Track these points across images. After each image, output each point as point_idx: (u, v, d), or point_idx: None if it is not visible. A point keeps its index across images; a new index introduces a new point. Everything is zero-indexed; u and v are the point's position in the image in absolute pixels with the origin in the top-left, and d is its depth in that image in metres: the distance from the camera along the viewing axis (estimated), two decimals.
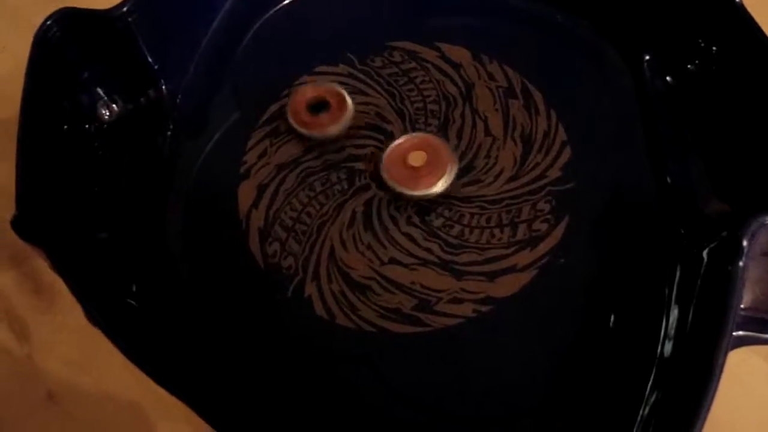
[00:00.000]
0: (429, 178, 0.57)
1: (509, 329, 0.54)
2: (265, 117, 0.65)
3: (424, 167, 0.58)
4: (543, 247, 0.56)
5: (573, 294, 0.54)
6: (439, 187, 0.57)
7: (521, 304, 0.54)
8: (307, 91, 0.63)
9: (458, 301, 0.54)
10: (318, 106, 0.62)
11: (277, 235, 0.59)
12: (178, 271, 0.58)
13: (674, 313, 0.51)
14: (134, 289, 0.55)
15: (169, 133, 0.64)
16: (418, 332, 0.54)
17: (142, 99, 0.65)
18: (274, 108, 0.65)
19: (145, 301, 0.55)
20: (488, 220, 0.57)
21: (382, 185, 0.59)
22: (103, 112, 0.63)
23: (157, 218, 0.60)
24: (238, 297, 0.57)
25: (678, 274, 0.52)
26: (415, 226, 0.58)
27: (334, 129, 0.61)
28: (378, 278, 0.56)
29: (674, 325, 0.50)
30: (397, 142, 0.59)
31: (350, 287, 0.56)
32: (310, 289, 0.56)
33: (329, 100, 0.62)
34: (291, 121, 0.61)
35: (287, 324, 0.55)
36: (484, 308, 0.54)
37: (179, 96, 0.66)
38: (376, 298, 0.55)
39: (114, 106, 0.63)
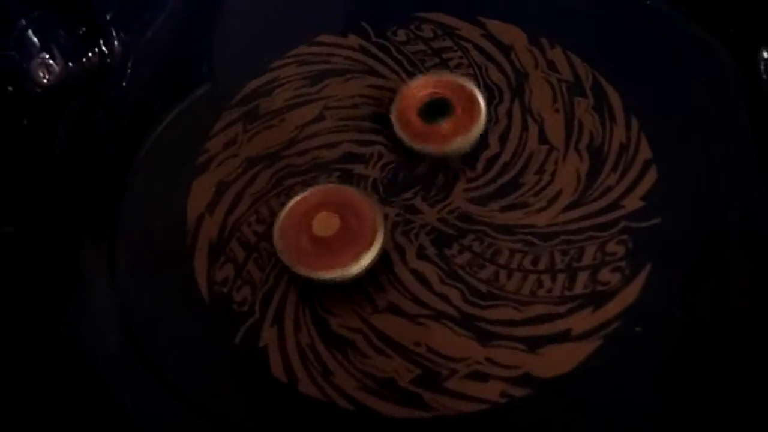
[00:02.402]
0: (341, 257, 0.40)
1: (554, 427, 0.38)
2: (242, 94, 0.49)
3: (336, 239, 0.41)
4: (612, 308, 0.40)
5: (652, 379, 0.38)
6: (356, 269, 0.40)
7: (575, 389, 0.38)
8: (420, 87, 0.46)
9: (481, 377, 0.38)
10: (435, 109, 0.45)
11: (233, 254, 0.43)
12: (96, 291, 0.43)
13: None
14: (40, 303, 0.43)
15: (112, 104, 0.50)
16: (418, 418, 0.38)
17: (89, 55, 0.52)
18: (256, 84, 0.50)
19: (51, 322, 0.42)
20: (535, 262, 0.41)
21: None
22: (40, 73, 0.50)
23: (80, 215, 0.46)
24: (168, 335, 0.42)
25: None
26: (429, 260, 0.42)
27: (461, 142, 0.44)
28: (367, 331, 0.40)
29: None
30: (296, 199, 0.43)
31: (325, 341, 0.40)
32: (267, 336, 0.40)
33: (452, 101, 0.45)
34: (398, 131, 0.45)
35: (228, 383, 0.40)
36: (518, 391, 0.38)
37: (132, 56, 0.51)
38: (361, 360, 0.39)
39: (53, 64, 0.51)
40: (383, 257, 0.41)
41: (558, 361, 0.38)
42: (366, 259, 0.40)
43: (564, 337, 0.39)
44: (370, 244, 0.40)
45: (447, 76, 0.46)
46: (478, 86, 0.46)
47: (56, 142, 0.48)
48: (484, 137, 0.45)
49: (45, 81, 0.50)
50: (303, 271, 0.40)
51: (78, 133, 0.48)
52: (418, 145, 0.43)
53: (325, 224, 0.41)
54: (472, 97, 0.45)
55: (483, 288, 0.40)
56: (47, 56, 0.50)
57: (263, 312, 0.40)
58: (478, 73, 0.48)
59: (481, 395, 0.37)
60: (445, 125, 0.44)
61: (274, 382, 0.39)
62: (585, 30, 0.51)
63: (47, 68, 0.50)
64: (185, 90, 0.50)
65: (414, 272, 0.41)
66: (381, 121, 0.46)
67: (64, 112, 0.49)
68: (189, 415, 0.38)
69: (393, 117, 0.44)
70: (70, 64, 0.50)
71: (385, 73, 0.49)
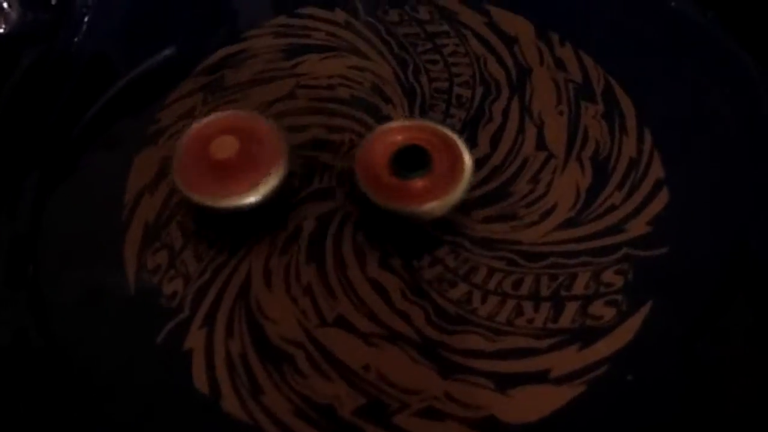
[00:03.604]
0: (239, 183, 0.34)
1: None
2: (207, 62, 0.43)
3: (236, 162, 0.34)
4: (602, 349, 0.33)
5: None
6: (252, 198, 0.34)
7: None
8: (392, 134, 0.37)
9: (437, 415, 0.31)
10: (410, 161, 0.35)
11: (170, 240, 0.36)
12: (13, 267, 0.36)
13: None
14: None
15: (64, 60, 0.43)
16: None
17: (48, 4, 0.45)
18: (225, 52, 0.43)
19: None
20: (517, 284, 0.34)
21: (353, 194, 0.36)
22: None
23: (12, 181, 0.39)
24: (81, 325, 0.34)
25: None
26: (393, 270, 0.35)
27: (437, 205, 0.34)
28: (309, 347, 0.33)
29: None
30: (201, 122, 0.37)
31: (260, 352, 0.33)
32: (194, 339, 0.33)
33: (429, 152, 0.35)
34: (361, 183, 0.35)
35: (141, 390, 0.33)
36: None
37: (92, 9, 0.44)
38: (298, 380, 0.32)
39: (10, 12, 0.44)
40: (340, 261, 0.34)
41: (530, 405, 0.31)
42: (267, 186, 0.33)
43: (541, 377, 0.32)
44: (271, 169, 0.34)
45: (425, 123, 0.37)
46: (473, 85, 0.40)
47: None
48: (472, 138, 0.38)
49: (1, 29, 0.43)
50: (198, 198, 0.33)
51: (23, 90, 0.41)
52: (385, 203, 0.34)
53: (224, 147, 0.34)
54: (452, 145, 0.35)
55: (451, 309, 0.33)
56: (4, 3, 0.43)
57: (193, 310, 0.34)
58: (474, 64, 0.41)
59: None
60: (420, 182, 0.35)
61: (194, 394, 0.32)
62: (599, 28, 0.45)
63: (3, 16, 0.43)
64: (145, 51, 0.43)
65: (373, 282, 0.34)
66: (358, 106, 0.40)
67: (14, 66, 0.42)
68: (89, 423, 0.31)
69: (357, 167, 0.35)
70: (28, 13, 0.44)
71: (370, 54, 0.42)
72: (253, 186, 0.33)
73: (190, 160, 0.34)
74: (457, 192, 0.33)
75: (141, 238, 0.36)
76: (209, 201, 0.33)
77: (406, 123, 0.37)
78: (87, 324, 0.34)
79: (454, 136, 0.35)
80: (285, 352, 0.32)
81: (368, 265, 0.35)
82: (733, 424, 0.31)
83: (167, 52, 0.43)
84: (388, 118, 0.39)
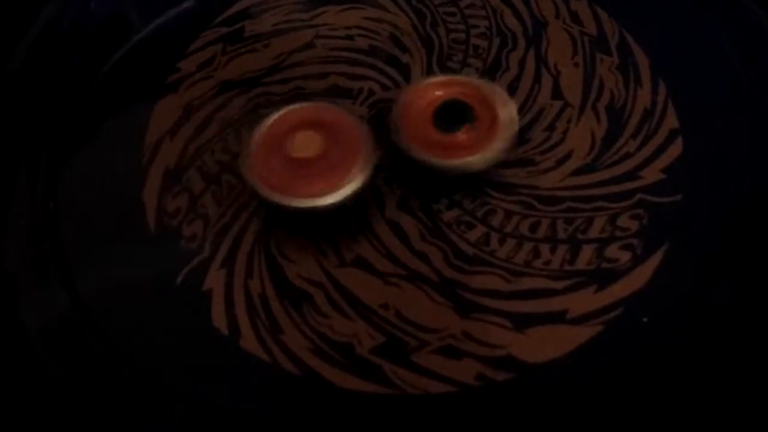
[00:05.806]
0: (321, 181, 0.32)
1: (535, 420, 0.29)
2: (227, 14, 0.42)
3: (317, 162, 0.33)
4: (617, 291, 0.32)
5: (654, 380, 0.30)
6: (338, 195, 0.32)
7: (563, 379, 0.30)
8: (434, 88, 0.36)
9: (455, 353, 0.30)
10: (452, 116, 0.35)
11: (190, 184, 0.35)
12: (33, 208, 0.36)
13: None
14: None
15: (83, 10, 0.42)
16: (373, 393, 0.30)
17: None
18: (244, 4, 0.42)
19: None
20: (534, 227, 0.33)
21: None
22: None
23: (33, 132, 0.38)
24: (102, 264, 0.34)
25: None
26: (411, 213, 0.34)
27: (478, 159, 0.33)
28: (328, 286, 0.32)
29: None
30: (276, 115, 0.34)
31: (279, 291, 0.32)
32: (213, 279, 0.33)
33: (472, 106, 0.35)
34: (399, 135, 0.34)
35: (160, 328, 0.32)
36: (497, 375, 0.30)
37: None
38: (316, 318, 0.31)
39: None
40: (359, 201, 0.33)
41: (547, 344, 0.30)
42: (348, 188, 0.31)
43: (558, 318, 0.31)
44: (353, 171, 0.32)
45: (464, 78, 0.36)
46: (490, 36, 0.39)
47: (17, 50, 0.40)
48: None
49: None
50: (271, 195, 0.32)
51: (42, 45, 0.41)
52: (428, 157, 0.33)
53: (305, 144, 0.32)
54: (490, 104, 0.34)
55: (469, 251, 0.32)
56: None
57: (213, 251, 0.33)
58: (491, 16, 0.40)
59: (453, 375, 0.30)
60: (461, 134, 0.34)
61: (213, 333, 0.31)
62: None
63: None
64: (164, 4, 0.42)
65: (391, 224, 0.33)
66: (376, 56, 0.39)
67: (32, 22, 0.41)
68: (110, 359, 0.30)
69: (398, 119, 0.34)
70: None
71: (389, 6, 0.41)
72: (334, 186, 0.31)
73: (264, 151, 0.32)
74: (498, 144, 0.33)
75: (161, 182, 0.35)
76: (283, 200, 0.31)
77: (445, 78, 0.35)
78: (106, 265, 0.33)
79: (495, 91, 0.34)
80: (304, 292, 0.32)
81: (387, 207, 0.34)
82: (744, 366, 0.30)
83: (186, 4, 0.42)
84: (407, 67, 0.38)
